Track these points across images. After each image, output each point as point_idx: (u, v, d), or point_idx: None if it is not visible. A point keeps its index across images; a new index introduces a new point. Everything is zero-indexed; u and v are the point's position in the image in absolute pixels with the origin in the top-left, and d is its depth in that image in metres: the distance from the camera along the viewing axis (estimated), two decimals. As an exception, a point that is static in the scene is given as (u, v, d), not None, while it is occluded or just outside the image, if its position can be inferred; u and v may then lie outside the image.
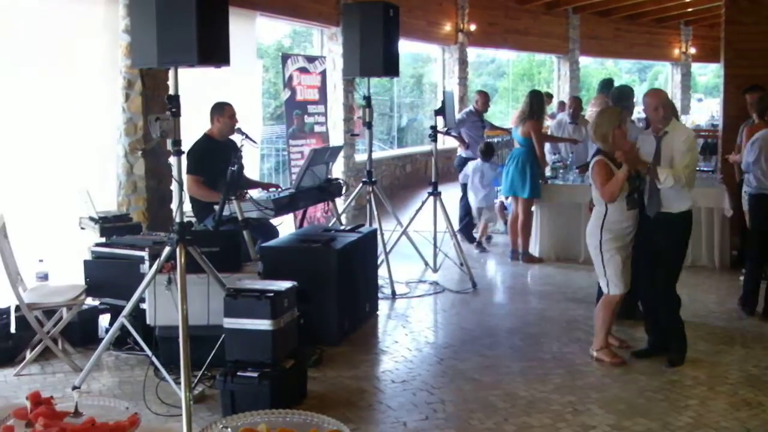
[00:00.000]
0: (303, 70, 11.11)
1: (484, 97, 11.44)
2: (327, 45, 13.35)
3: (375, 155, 9.46)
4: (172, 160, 5.13)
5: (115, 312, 6.16)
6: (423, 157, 16.88)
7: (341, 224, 8.46)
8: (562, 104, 16.70)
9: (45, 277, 6.29)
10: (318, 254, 6.64)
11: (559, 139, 11.13)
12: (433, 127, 9.03)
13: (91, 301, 6.58)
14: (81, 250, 6.69)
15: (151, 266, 5.61)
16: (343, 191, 8.75)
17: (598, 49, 24.08)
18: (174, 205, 5.28)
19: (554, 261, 9.65)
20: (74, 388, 5.41)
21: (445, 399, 5.43)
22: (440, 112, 9.47)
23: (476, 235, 10.76)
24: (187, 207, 6.61)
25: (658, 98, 5.99)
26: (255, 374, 5.01)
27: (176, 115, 4.97)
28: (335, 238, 6.95)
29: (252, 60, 10.90)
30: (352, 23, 8.26)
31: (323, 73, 11.74)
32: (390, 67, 8.21)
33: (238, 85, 9.51)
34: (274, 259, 6.51)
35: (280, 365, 5.15)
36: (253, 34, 11.02)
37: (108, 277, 6.33)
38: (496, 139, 14.14)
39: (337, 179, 8.61)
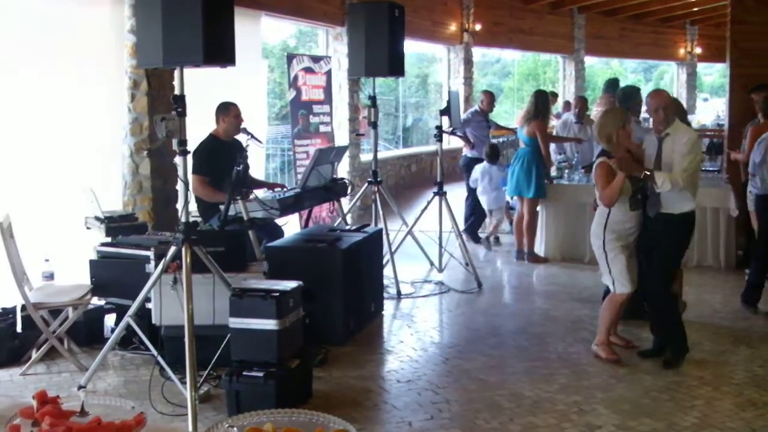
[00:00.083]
0: (308, 70, 11.11)
1: (490, 97, 11.43)
2: (332, 45, 13.34)
3: (380, 155, 9.44)
4: (178, 160, 5.14)
5: (121, 311, 6.17)
6: (428, 156, 16.87)
7: (346, 224, 8.46)
8: (567, 104, 16.68)
9: (51, 276, 6.30)
10: (323, 254, 6.64)
11: (563, 138, 11.13)
12: (439, 127, 9.04)
13: (96, 301, 6.58)
14: (87, 250, 6.69)
15: (156, 266, 5.62)
16: (349, 191, 8.74)
17: (604, 49, 24.03)
18: (179, 205, 5.28)
19: (559, 261, 9.65)
20: (80, 387, 5.43)
21: (451, 399, 5.43)
22: (445, 111, 9.46)
23: (482, 235, 10.77)
24: (193, 207, 6.62)
25: (659, 100, 5.98)
26: (260, 374, 5.02)
27: (182, 115, 4.99)
28: (340, 237, 6.95)
29: (257, 60, 10.91)
30: (357, 23, 8.26)
31: (328, 73, 11.74)
32: (395, 67, 8.22)
33: (243, 85, 9.52)
34: (280, 259, 6.51)
35: (286, 365, 5.16)
36: (258, 34, 11.03)
37: (113, 276, 6.33)
38: (501, 139, 14.13)
39: (342, 179, 8.60)
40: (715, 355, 6.27)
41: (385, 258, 8.02)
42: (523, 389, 5.56)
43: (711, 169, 10.91)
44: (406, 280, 8.50)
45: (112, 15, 8.20)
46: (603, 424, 4.97)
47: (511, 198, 10.23)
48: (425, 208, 8.91)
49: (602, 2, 21.53)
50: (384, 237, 7.98)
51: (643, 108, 9.93)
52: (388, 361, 6.27)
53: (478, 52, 20.00)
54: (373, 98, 8.48)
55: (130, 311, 5.39)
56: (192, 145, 5.41)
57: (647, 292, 6.18)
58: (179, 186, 5.26)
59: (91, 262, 6.44)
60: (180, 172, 5.15)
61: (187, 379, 4.87)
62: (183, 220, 5.13)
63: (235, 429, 2.17)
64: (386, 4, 8.02)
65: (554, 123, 12.76)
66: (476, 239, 10.76)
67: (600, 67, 32.61)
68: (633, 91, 8.51)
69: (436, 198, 8.83)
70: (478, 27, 18.12)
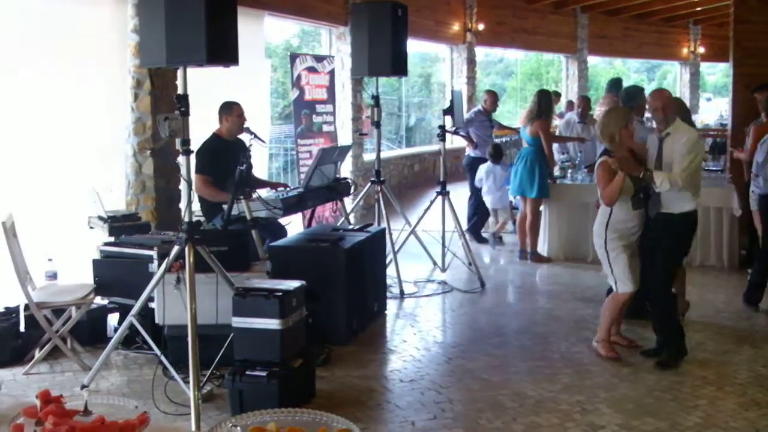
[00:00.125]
0: (311, 70, 11.11)
1: (493, 97, 11.43)
2: (335, 44, 13.35)
3: (383, 155, 9.46)
4: (181, 159, 5.14)
5: (124, 311, 6.18)
6: (431, 156, 16.87)
7: (349, 224, 8.45)
8: (570, 103, 16.68)
9: (54, 276, 6.30)
10: (326, 254, 6.64)
11: (566, 138, 11.12)
12: (442, 127, 9.04)
13: (99, 300, 6.59)
14: (90, 249, 6.71)
15: (159, 265, 5.62)
16: (352, 191, 8.73)
17: (607, 49, 24.03)
18: (183, 205, 5.28)
19: (563, 260, 9.64)
20: (83, 386, 5.43)
21: (454, 398, 5.43)
22: (449, 111, 9.46)
23: (486, 234, 10.78)
24: (196, 206, 6.62)
25: (659, 99, 5.98)
26: (263, 373, 5.01)
27: (185, 114, 4.98)
28: (343, 237, 6.95)
29: (260, 59, 10.92)
30: (360, 23, 8.26)
31: (331, 73, 11.74)
32: (398, 66, 8.22)
33: (246, 85, 9.52)
34: (283, 259, 6.51)
35: (289, 364, 5.16)
36: (261, 34, 11.04)
37: (117, 276, 6.34)
38: (504, 139, 14.13)
39: (345, 179, 8.59)
40: (718, 355, 6.26)
41: (388, 258, 8.01)
42: (526, 389, 5.55)
43: (714, 168, 10.90)
44: (409, 279, 8.50)
45: (115, 14, 8.22)
46: (606, 423, 4.97)
47: (514, 198, 10.23)
48: (428, 207, 8.91)
49: (605, 2, 21.52)
50: (387, 237, 7.98)
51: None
52: (391, 361, 6.27)
53: (481, 52, 19.99)
54: (376, 98, 8.48)
55: (133, 311, 5.39)
56: (195, 145, 5.41)
57: (649, 292, 6.18)
58: (182, 185, 5.26)
59: (94, 261, 6.45)
60: (183, 172, 5.15)
61: (190, 379, 4.87)
62: (186, 219, 5.13)
63: (238, 428, 2.17)
64: (389, 4, 8.02)
65: (557, 123, 12.74)
66: (479, 239, 10.76)
67: (603, 67, 32.58)
68: (637, 91, 8.50)
69: (439, 197, 8.83)
70: (481, 27, 18.13)
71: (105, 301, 6.68)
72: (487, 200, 10.56)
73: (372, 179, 8.63)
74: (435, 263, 9.12)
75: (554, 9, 21.02)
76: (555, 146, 10.63)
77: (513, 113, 25.27)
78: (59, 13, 7.80)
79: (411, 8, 8.69)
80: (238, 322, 5.17)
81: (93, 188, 6.93)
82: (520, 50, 23.58)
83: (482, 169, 10.55)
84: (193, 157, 5.28)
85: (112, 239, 6.70)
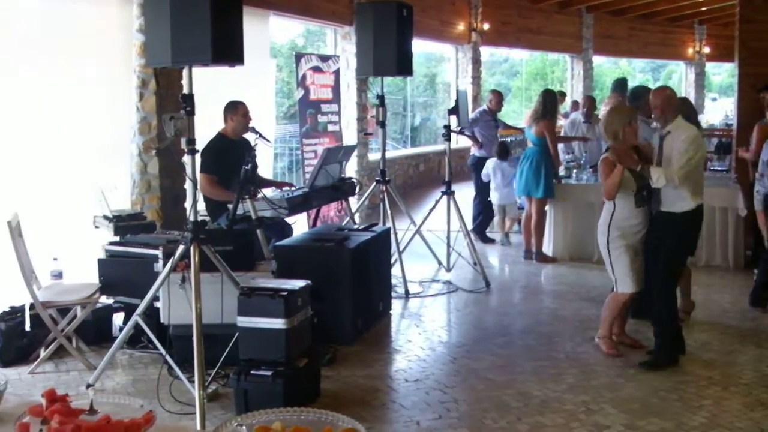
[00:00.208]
0: (316, 70, 11.11)
1: (498, 97, 11.42)
2: (340, 44, 13.35)
3: (388, 154, 9.44)
4: (186, 159, 5.14)
5: (129, 310, 6.18)
6: (436, 156, 16.87)
7: (354, 223, 8.46)
8: (575, 103, 16.65)
9: (59, 275, 6.31)
10: (331, 253, 6.64)
11: (570, 138, 11.11)
12: (447, 127, 9.04)
13: (105, 300, 6.59)
14: (95, 249, 6.71)
15: (164, 265, 5.63)
16: (357, 190, 8.74)
17: (612, 49, 23.99)
18: (188, 204, 5.29)
19: (568, 260, 9.63)
20: (88, 386, 5.43)
21: (459, 398, 5.43)
22: (454, 111, 9.45)
23: (491, 233, 10.78)
24: (201, 206, 6.63)
25: (659, 97, 5.98)
26: (268, 373, 5.01)
27: (190, 114, 4.99)
28: (349, 237, 6.95)
29: (265, 59, 10.93)
30: (365, 23, 8.26)
31: (336, 73, 11.74)
32: (403, 66, 8.22)
33: (251, 84, 9.53)
34: (288, 258, 6.52)
35: (294, 364, 5.16)
36: (266, 34, 11.05)
37: (122, 275, 6.34)
38: (509, 139, 14.12)
39: (350, 178, 8.60)
40: (723, 355, 6.25)
41: (393, 257, 8.01)
42: (531, 389, 5.55)
43: (719, 168, 10.88)
44: (414, 279, 8.49)
45: (120, 14, 8.22)
46: (611, 423, 4.96)
47: (520, 197, 10.22)
48: (433, 207, 8.92)
49: (610, 2, 21.49)
50: (392, 236, 7.98)
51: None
52: (396, 361, 6.27)
53: (486, 52, 20.00)
54: (381, 97, 8.49)
55: (139, 310, 5.40)
56: (200, 144, 5.42)
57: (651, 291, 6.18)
58: (188, 185, 5.27)
59: (100, 260, 6.46)
60: (188, 171, 5.16)
61: (196, 378, 4.87)
62: (191, 219, 5.14)
63: (243, 428, 2.16)
64: (395, 4, 8.02)
65: (562, 122, 12.73)
66: (484, 239, 10.76)
67: (608, 67, 32.54)
68: (643, 91, 8.48)
69: (444, 197, 8.83)
70: (486, 26, 18.12)
71: (110, 301, 6.69)
72: (495, 197, 10.57)
73: (377, 179, 8.63)
74: (440, 263, 9.12)
75: (559, 9, 20.99)
76: (560, 146, 10.62)
77: (518, 113, 25.24)
78: (65, 13, 7.82)
79: (416, 8, 8.70)
80: (244, 321, 5.18)
81: (99, 187, 6.94)
82: (526, 50, 23.55)
83: (489, 165, 10.57)
84: (198, 157, 5.28)
85: (117, 238, 6.70)
